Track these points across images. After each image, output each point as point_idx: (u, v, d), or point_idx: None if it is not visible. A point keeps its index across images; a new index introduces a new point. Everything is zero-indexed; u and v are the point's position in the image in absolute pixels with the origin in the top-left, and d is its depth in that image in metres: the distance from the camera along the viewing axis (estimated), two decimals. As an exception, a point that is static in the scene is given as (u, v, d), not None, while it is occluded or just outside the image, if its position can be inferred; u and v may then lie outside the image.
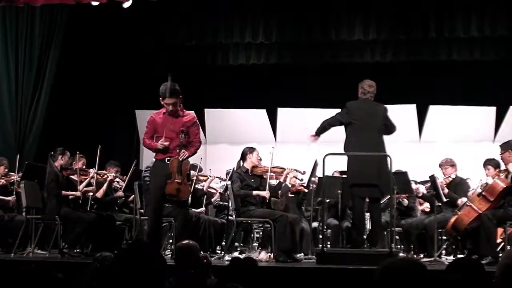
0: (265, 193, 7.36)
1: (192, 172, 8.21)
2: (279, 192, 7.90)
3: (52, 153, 7.59)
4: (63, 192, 7.51)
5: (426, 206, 8.48)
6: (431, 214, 7.77)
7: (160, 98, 6.36)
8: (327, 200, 7.85)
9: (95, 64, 10.76)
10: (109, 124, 11.28)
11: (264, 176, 7.55)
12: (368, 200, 6.90)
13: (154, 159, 6.64)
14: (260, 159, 7.90)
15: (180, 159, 6.27)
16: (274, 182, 7.83)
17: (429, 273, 2.29)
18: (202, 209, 8.49)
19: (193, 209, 8.10)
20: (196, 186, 8.34)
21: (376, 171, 6.64)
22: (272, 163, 7.60)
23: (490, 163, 7.26)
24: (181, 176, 6.29)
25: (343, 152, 6.83)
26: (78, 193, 7.61)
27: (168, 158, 6.33)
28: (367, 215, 7.37)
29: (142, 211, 7.63)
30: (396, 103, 10.36)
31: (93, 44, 10.57)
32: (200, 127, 6.61)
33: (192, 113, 6.72)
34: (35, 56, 9.77)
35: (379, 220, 7.02)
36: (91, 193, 7.85)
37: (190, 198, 7.08)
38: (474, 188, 7.58)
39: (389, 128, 6.91)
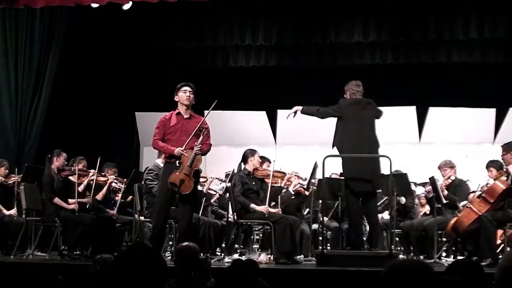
0: (263, 208, 7.23)
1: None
2: (279, 197, 7.89)
3: (49, 155, 7.59)
4: (56, 199, 7.45)
5: (428, 209, 8.49)
6: (431, 216, 7.77)
7: (176, 95, 6.47)
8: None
9: (95, 66, 10.78)
10: (109, 126, 11.29)
11: (266, 180, 7.54)
12: (362, 200, 6.88)
13: (163, 162, 6.63)
14: (270, 161, 7.89)
15: (195, 152, 6.27)
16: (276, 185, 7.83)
17: (435, 275, 2.29)
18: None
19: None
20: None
21: (370, 170, 6.66)
22: (274, 167, 7.62)
23: (492, 164, 7.23)
24: (190, 169, 6.28)
25: (334, 145, 6.82)
26: (71, 206, 7.50)
27: (179, 161, 6.33)
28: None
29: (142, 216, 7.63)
30: (396, 105, 10.39)
31: (93, 46, 10.58)
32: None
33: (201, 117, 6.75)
34: (35, 58, 9.78)
35: (376, 219, 7.01)
36: (88, 200, 7.80)
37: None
38: (475, 190, 7.58)
39: (378, 116, 6.92)
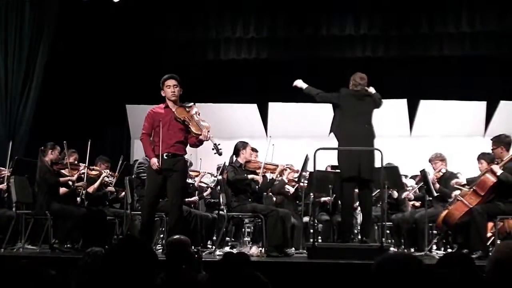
0: (259, 177, 7.36)
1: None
2: (273, 187, 7.89)
3: (42, 148, 7.56)
4: (61, 179, 7.49)
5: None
6: (422, 209, 7.79)
7: (162, 90, 6.36)
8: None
9: (86, 58, 10.72)
10: (99, 118, 11.25)
11: (257, 171, 7.54)
12: (358, 190, 6.92)
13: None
14: (257, 151, 7.88)
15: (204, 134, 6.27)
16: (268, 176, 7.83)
17: (425, 268, 2.29)
18: (196, 198, 8.46)
19: (186, 199, 8.11)
20: (188, 180, 8.33)
21: (364, 160, 6.68)
22: (267, 159, 7.62)
23: (484, 157, 7.24)
24: (193, 118, 6.26)
25: (331, 131, 6.87)
26: (75, 178, 7.58)
27: (167, 154, 6.28)
28: (358, 210, 7.39)
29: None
30: (387, 97, 10.37)
31: (83, 38, 10.53)
32: None
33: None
34: (25, 49, 9.72)
35: (369, 208, 7.03)
36: (81, 188, 7.80)
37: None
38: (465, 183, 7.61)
39: (377, 105, 6.97)
